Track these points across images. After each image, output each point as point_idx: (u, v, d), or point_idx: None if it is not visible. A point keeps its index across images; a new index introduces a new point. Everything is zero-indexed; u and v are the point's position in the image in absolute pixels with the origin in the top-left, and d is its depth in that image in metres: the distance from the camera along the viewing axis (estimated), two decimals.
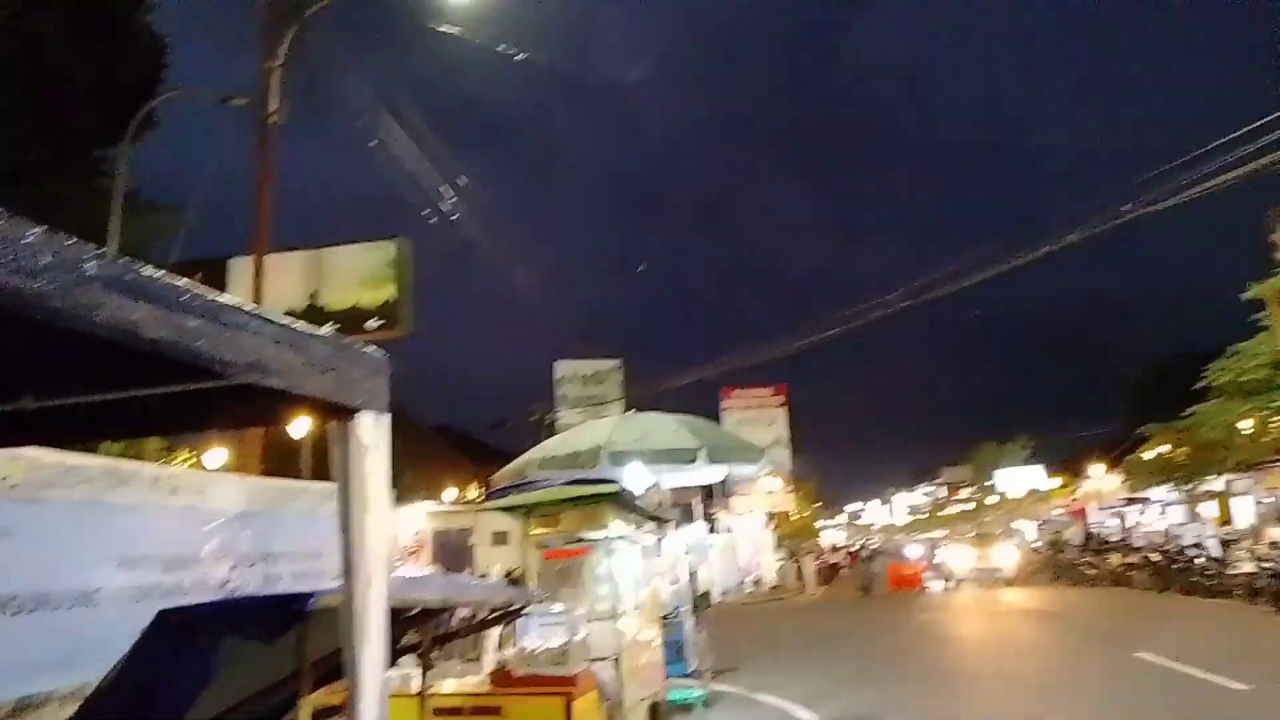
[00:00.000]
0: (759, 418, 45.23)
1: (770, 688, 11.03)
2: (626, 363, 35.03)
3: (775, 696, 10.48)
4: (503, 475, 9.33)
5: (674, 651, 10.58)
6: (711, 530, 27.65)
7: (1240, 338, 20.83)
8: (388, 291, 14.48)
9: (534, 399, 33.58)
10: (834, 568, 46.29)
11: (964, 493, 72.17)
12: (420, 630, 3.83)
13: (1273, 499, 25.47)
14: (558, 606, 6.03)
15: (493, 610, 5.05)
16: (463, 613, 4.12)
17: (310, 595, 2.35)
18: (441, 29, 12.94)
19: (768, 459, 13.26)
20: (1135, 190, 15.12)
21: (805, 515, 62.29)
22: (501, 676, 5.55)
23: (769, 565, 33.90)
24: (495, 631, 6.76)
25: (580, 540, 7.39)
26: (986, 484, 60.46)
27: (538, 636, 5.89)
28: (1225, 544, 22.59)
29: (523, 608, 5.44)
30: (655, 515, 8.02)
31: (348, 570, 2.08)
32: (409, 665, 4.36)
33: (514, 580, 12.08)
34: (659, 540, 9.23)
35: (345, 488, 2.10)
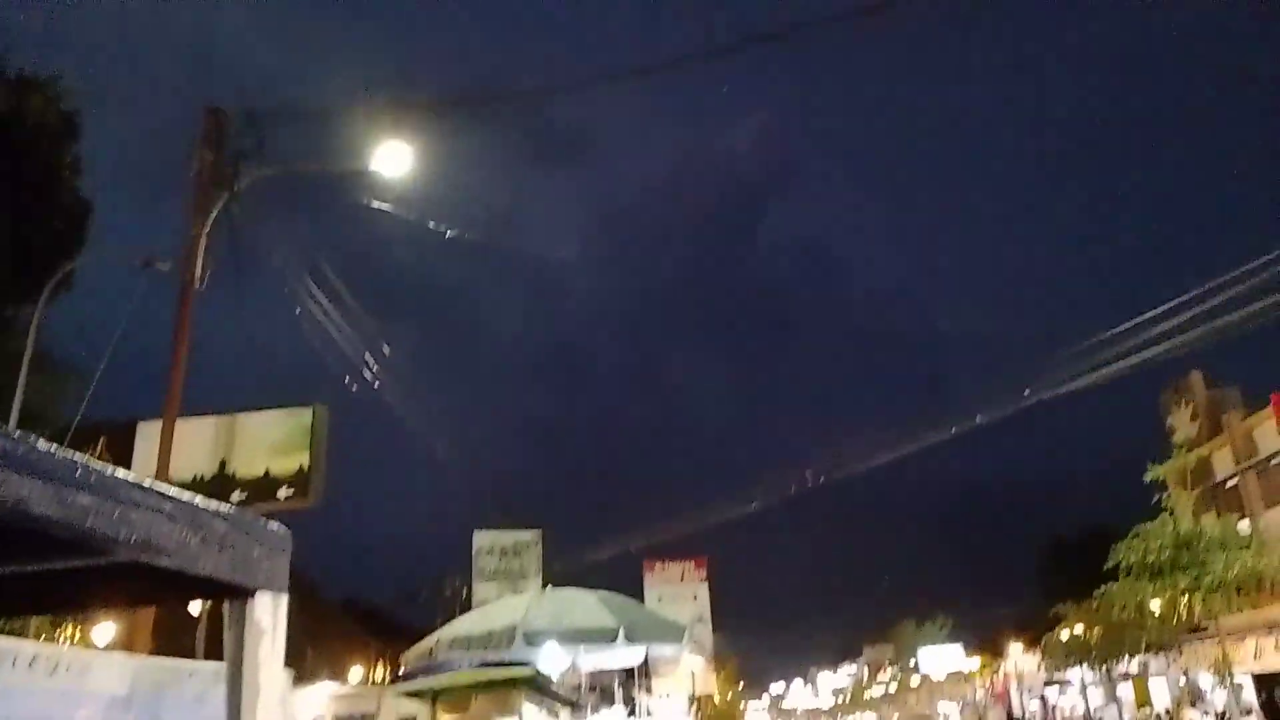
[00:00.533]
0: (681, 592, 44.51)
1: None
2: (546, 534, 34.37)
3: None
4: (411, 655, 8.88)
5: None
6: (631, 714, 26.43)
7: (1148, 517, 21.44)
8: (300, 459, 14.12)
9: (449, 571, 32.53)
10: None
11: (886, 672, 70.96)
12: None
13: (1185, 681, 25.68)
14: None
15: None
16: None
17: None
18: (373, 205, 13.25)
19: (689, 637, 12.94)
20: (1037, 374, 15.89)
21: (729, 697, 60.27)
22: None
23: None
24: None
25: None
26: (909, 664, 59.62)
27: None
28: None
29: None
30: (571, 700, 7.68)
31: None
32: None
33: None
34: None
35: (237, 673, 1.98)
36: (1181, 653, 24.99)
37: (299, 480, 14.01)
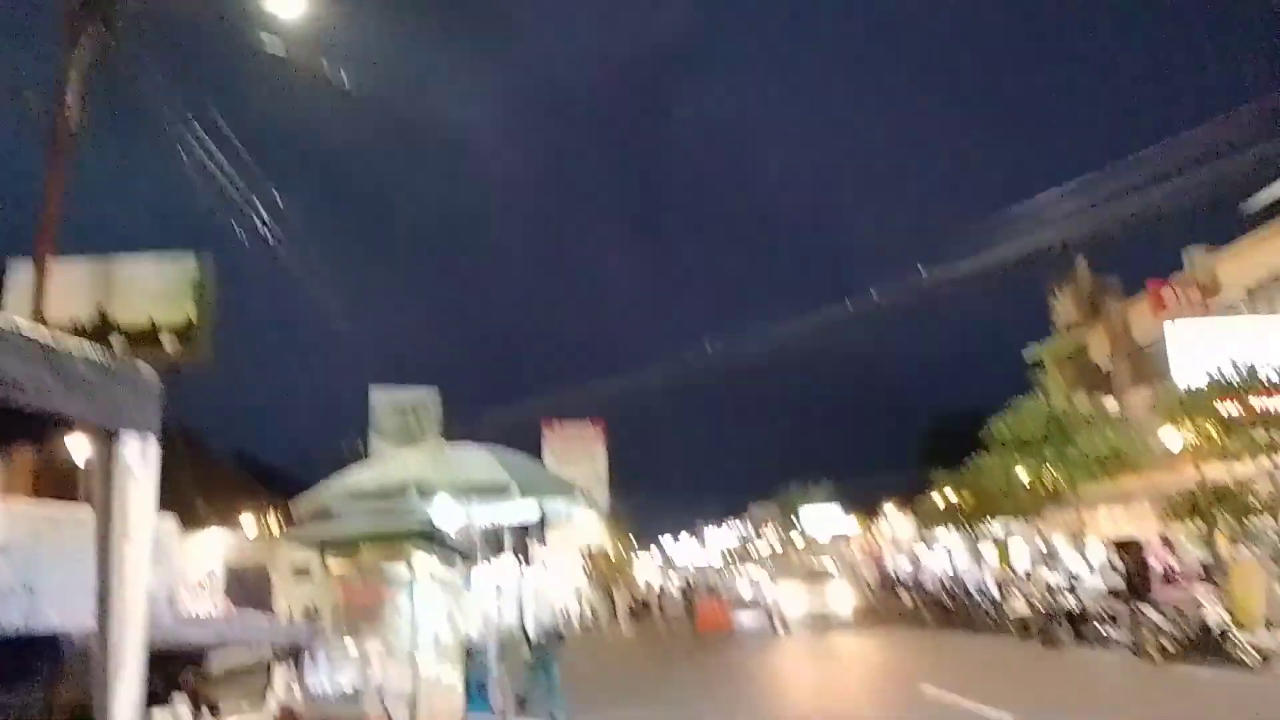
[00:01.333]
0: (579, 453, 45.45)
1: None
2: (446, 397, 34.33)
3: None
4: (304, 504, 8.90)
5: (478, 691, 10.37)
6: (525, 568, 27.23)
7: (1022, 393, 22.60)
8: (185, 310, 13.63)
9: (346, 431, 32.34)
10: (646, 605, 46.68)
11: (770, 531, 74.71)
12: (195, 672, 3.59)
13: (1043, 544, 27.78)
14: (351, 646, 5.78)
15: (278, 650, 4.80)
16: (244, 653, 3.90)
17: (61, 635, 2.16)
18: (269, 52, 12.40)
19: (583, 495, 13.29)
20: (933, 256, 16.32)
21: (621, 552, 62.71)
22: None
23: (582, 603, 33.82)
24: (281, 672, 6.42)
25: (382, 577, 7.15)
26: (792, 523, 62.79)
27: (328, 677, 5.62)
28: (1002, 584, 24.45)
29: (311, 647, 5.20)
30: (464, 552, 7.86)
31: (103, 606, 1.92)
32: (183, 710, 4.06)
33: (314, 619, 11.52)
34: (467, 578, 9.05)
35: (105, 515, 1.94)
36: (1042, 518, 26.94)
37: (186, 333, 13.56)
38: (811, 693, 14.13)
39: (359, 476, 8.82)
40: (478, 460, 8.79)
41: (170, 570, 6.61)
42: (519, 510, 10.86)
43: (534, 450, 40.24)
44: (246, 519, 30.25)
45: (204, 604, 17.47)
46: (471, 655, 10.11)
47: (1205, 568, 18.10)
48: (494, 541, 13.28)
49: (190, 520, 16.59)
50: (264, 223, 16.21)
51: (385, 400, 33.12)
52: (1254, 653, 12.99)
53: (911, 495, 38.69)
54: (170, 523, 6.37)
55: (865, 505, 52.05)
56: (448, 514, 8.78)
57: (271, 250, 16.52)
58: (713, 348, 18.90)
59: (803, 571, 28.54)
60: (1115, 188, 12.92)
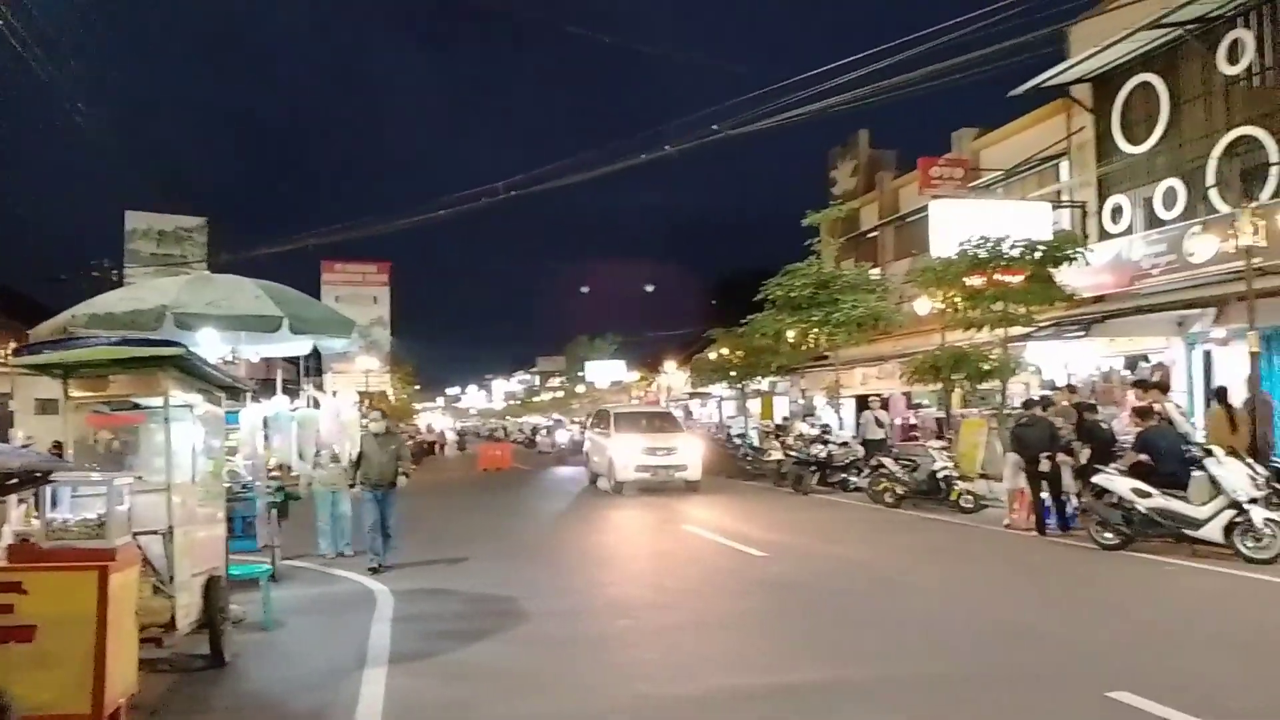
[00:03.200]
0: (361, 294, 44.00)
1: (346, 564, 11.03)
2: (217, 226, 31.93)
3: (349, 571, 10.52)
4: (44, 330, 8.16)
5: (242, 527, 10.15)
6: (297, 406, 26.46)
7: (802, 258, 23.71)
8: None
9: (100, 259, 29.53)
10: (427, 448, 46.88)
11: (556, 381, 76.24)
12: None
13: (803, 399, 29.97)
14: (97, 477, 5.46)
15: (8, 477, 4.47)
16: None
17: None
18: None
19: (361, 334, 12.96)
20: (732, 113, 16.51)
21: (403, 397, 62.09)
22: (23, 551, 4.96)
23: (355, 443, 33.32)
24: (13, 502, 6.01)
25: (134, 407, 6.74)
26: (578, 374, 64.24)
27: (72, 509, 5.31)
28: (763, 435, 26.33)
29: (47, 475, 4.88)
30: (228, 384, 7.50)
31: None
32: None
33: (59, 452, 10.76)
34: (231, 413, 8.69)
35: None
36: (804, 376, 28.95)
37: None
38: (584, 531, 14.82)
39: (109, 301, 8.16)
40: (245, 292, 8.34)
41: None
42: (290, 347, 10.48)
43: (311, 289, 38.54)
44: None
45: None
46: (243, 489, 9.85)
47: (939, 423, 20.25)
48: (265, 379, 12.74)
49: None
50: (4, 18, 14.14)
51: (144, 223, 30.38)
52: (970, 498, 14.82)
53: (692, 352, 40.35)
54: None
55: (649, 361, 53.87)
56: (212, 347, 8.33)
57: (12, 51, 14.51)
58: (506, 190, 18.50)
59: (640, 421, 22.04)
60: (899, 63, 13.44)
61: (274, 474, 10.07)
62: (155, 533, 5.88)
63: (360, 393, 37.41)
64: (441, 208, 19.96)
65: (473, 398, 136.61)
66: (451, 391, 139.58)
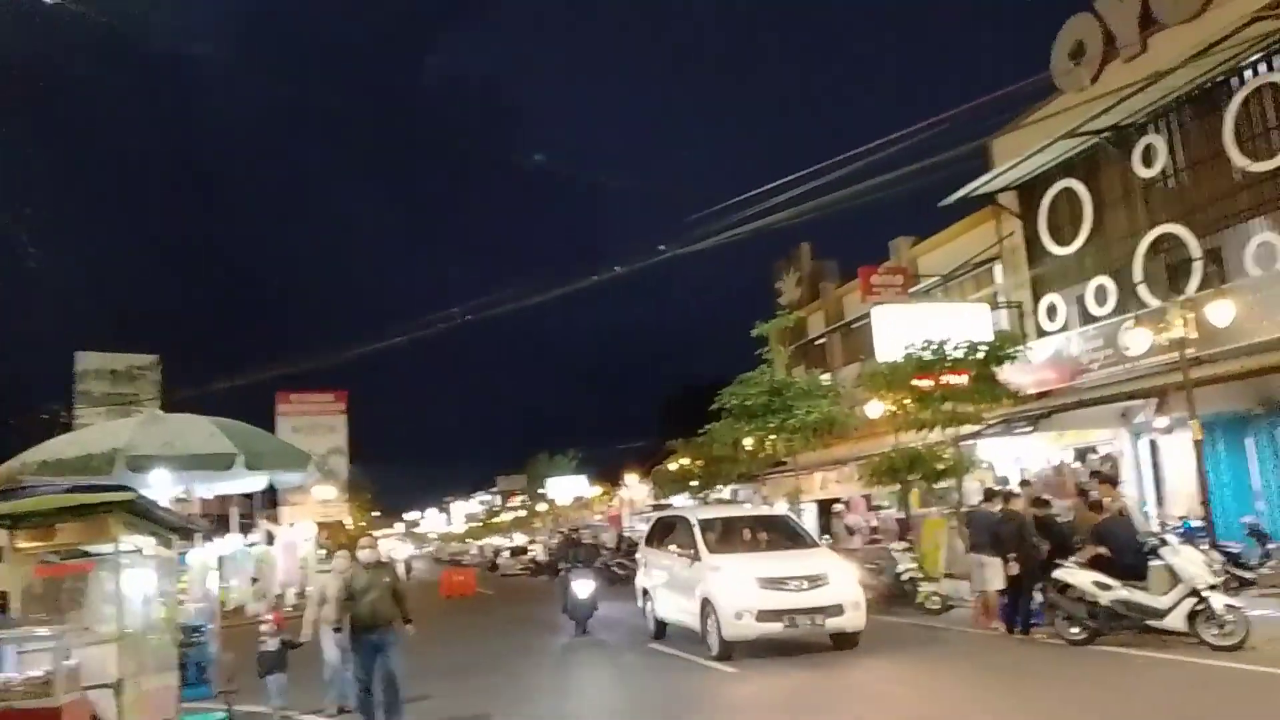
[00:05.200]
0: (318, 424, 43.50)
1: (304, 705, 10.63)
2: (169, 362, 31.74)
3: (309, 714, 10.14)
4: None
5: (196, 673, 9.81)
6: (254, 542, 25.93)
7: (752, 367, 24.07)
8: None
9: (48, 400, 29.10)
10: None
11: (517, 500, 75.31)
12: None
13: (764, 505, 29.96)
14: (43, 631, 5.31)
15: None
16: None
17: None
18: None
19: (317, 465, 12.84)
20: (677, 233, 17.02)
21: (362, 525, 60.86)
22: None
23: (315, 578, 32.51)
24: None
25: (83, 555, 6.60)
26: (539, 492, 63.62)
27: (18, 666, 5.15)
28: None
29: None
30: (179, 525, 7.39)
31: None
32: None
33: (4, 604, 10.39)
34: (183, 554, 8.53)
35: None
36: (765, 483, 29.01)
37: None
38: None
39: (58, 446, 8.05)
40: (199, 430, 8.29)
41: None
42: (245, 483, 10.34)
43: (266, 423, 38.08)
44: None
45: None
46: (193, 634, 9.56)
47: (900, 524, 20.32)
48: (217, 516, 12.52)
49: None
50: None
51: (95, 365, 30.05)
52: (937, 599, 14.79)
53: (652, 464, 40.32)
54: None
55: (609, 474, 53.63)
56: (164, 489, 8.22)
57: None
58: (462, 315, 18.73)
59: (744, 533, 13.53)
60: (835, 180, 14.06)
61: (264, 623, 9.62)
62: (105, 686, 5.71)
63: (319, 524, 36.71)
64: (398, 334, 20.11)
65: (432, 521, 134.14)
66: (410, 516, 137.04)
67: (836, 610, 11.25)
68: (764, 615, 11.14)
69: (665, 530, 14.67)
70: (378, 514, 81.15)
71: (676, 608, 13.06)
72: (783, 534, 13.39)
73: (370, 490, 61.89)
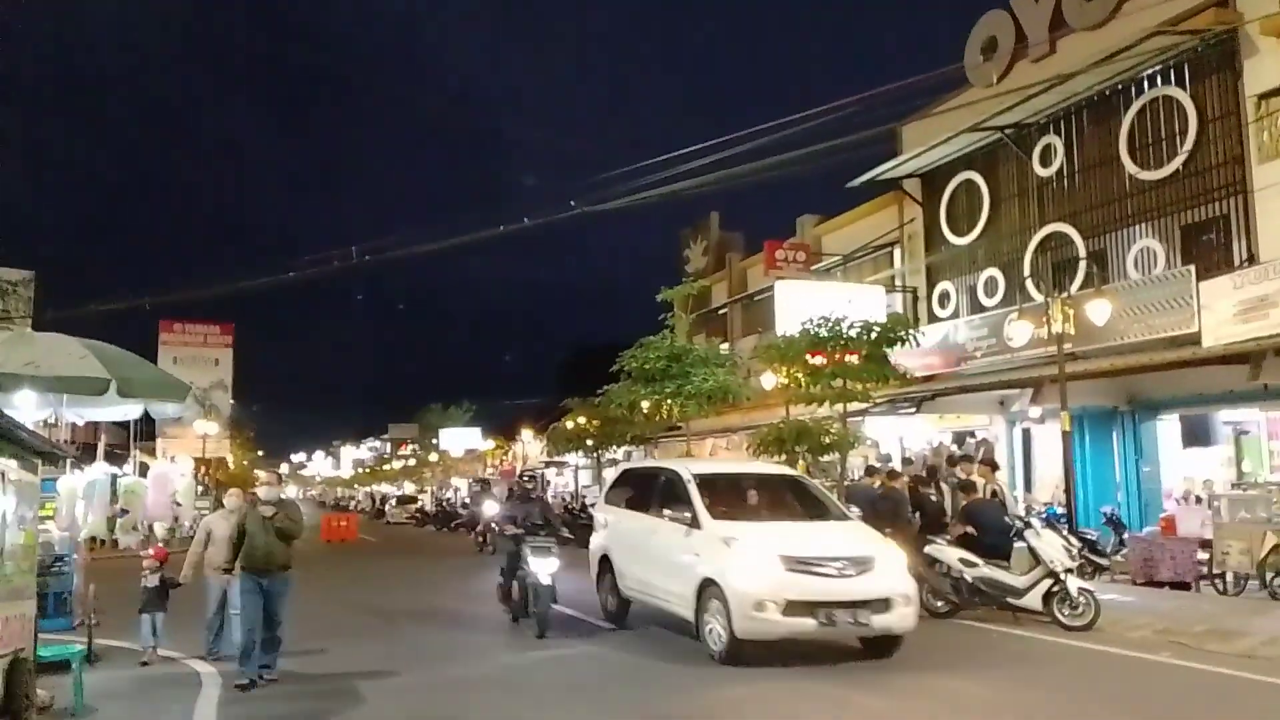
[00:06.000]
0: (202, 356, 42.07)
1: (180, 648, 10.29)
2: (44, 279, 29.93)
3: (176, 651, 9.85)
4: None
5: (55, 604, 9.45)
6: (123, 474, 24.94)
7: (655, 331, 24.19)
8: None
9: None
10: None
11: (408, 449, 74.32)
12: None
13: None
14: None
15: None
16: None
17: None
18: None
19: (199, 398, 12.38)
20: (586, 190, 16.92)
21: (243, 464, 59.20)
22: None
23: (189, 513, 31.47)
24: None
25: None
26: (431, 441, 62.86)
27: None
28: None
29: None
30: (45, 450, 7.05)
31: None
32: None
33: None
34: (49, 480, 8.15)
35: None
36: (657, 446, 29.34)
37: None
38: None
39: None
40: (69, 352, 7.92)
41: None
42: (119, 411, 9.93)
43: (150, 352, 36.51)
44: None
45: None
46: (54, 564, 9.18)
47: None
48: (87, 444, 12.02)
49: None
50: None
51: None
52: None
53: (548, 421, 40.30)
54: None
55: (505, 429, 53.36)
56: (30, 409, 7.83)
57: None
58: (359, 255, 18.25)
59: (755, 495, 10.62)
60: (748, 151, 14.18)
61: (145, 557, 9.17)
62: None
63: (197, 459, 35.53)
64: (291, 269, 19.46)
65: (319, 465, 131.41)
66: (297, 459, 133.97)
67: (884, 605, 8.38)
68: (792, 608, 8.19)
69: (641, 485, 11.45)
70: (261, 454, 79.05)
71: (657, 588, 10.00)
72: (802, 501, 10.42)
73: (254, 429, 60.16)
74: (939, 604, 11.20)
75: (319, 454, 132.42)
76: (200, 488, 35.89)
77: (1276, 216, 14.12)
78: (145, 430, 31.28)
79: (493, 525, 19.23)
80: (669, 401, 22.91)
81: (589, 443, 30.50)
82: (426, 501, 53.90)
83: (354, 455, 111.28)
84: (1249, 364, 12.87)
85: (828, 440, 17.36)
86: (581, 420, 30.56)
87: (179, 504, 27.04)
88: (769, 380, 19.90)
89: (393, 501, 56.99)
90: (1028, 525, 11.11)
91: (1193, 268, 14.59)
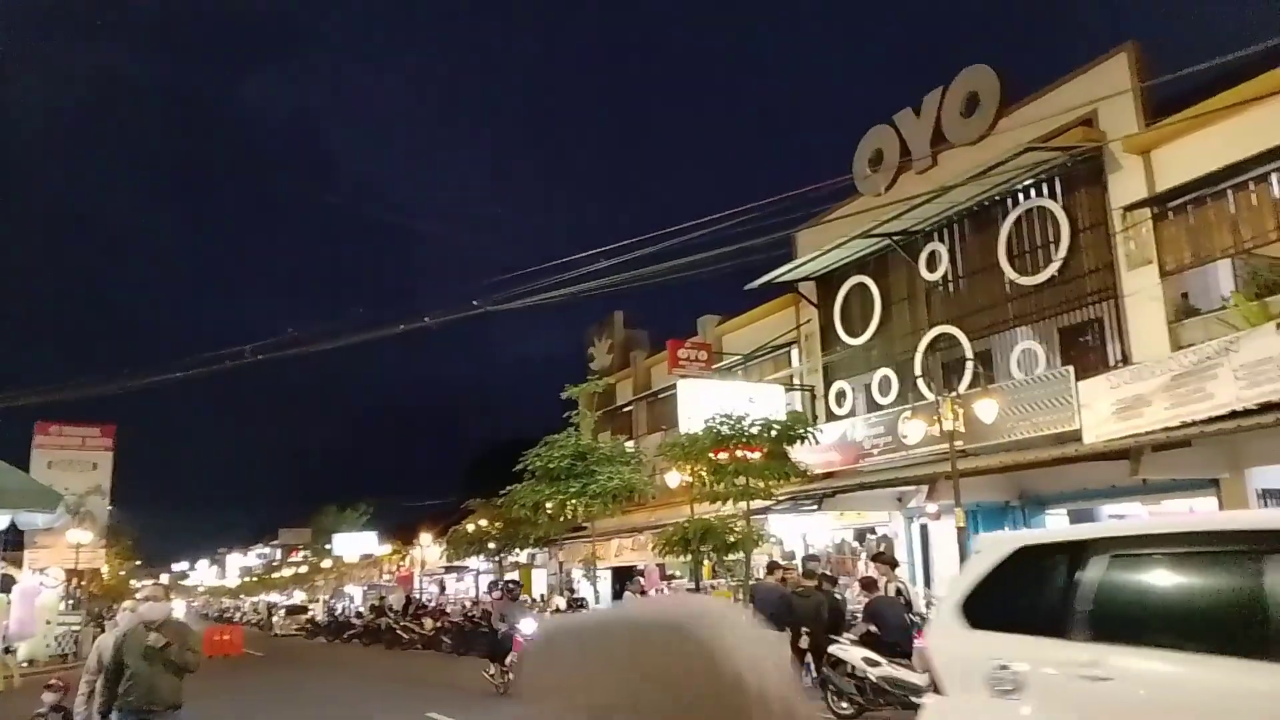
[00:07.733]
0: (79, 459, 39.75)
1: None
2: None
3: None
4: None
5: None
6: None
7: (561, 429, 24.04)
8: None
9: None
10: None
11: (300, 555, 71.11)
12: None
13: (560, 572, 29.74)
14: None
15: None
16: None
17: None
18: None
19: (72, 506, 11.66)
20: (489, 289, 16.92)
21: (120, 574, 55.67)
22: None
23: (55, 632, 29.27)
24: None
25: None
26: (325, 547, 60.35)
27: None
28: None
29: None
30: None
31: None
32: None
33: None
34: None
35: None
36: (562, 548, 28.86)
37: None
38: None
39: None
40: None
41: None
42: None
43: (20, 455, 34.42)
44: None
45: None
46: None
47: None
48: None
49: None
50: None
51: None
52: None
53: (449, 524, 39.28)
54: None
55: (403, 532, 51.69)
56: None
57: None
58: (251, 353, 17.76)
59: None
60: (651, 254, 14.48)
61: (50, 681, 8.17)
62: None
63: (69, 571, 33.27)
64: (179, 369, 18.75)
65: (203, 573, 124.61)
66: (179, 567, 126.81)
67: None
68: None
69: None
70: (139, 563, 74.58)
71: None
72: None
73: (133, 536, 56.77)
74: (844, 705, 11.13)
75: (203, 562, 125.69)
76: (71, 601, 33.52)
77: (1146, 320, 15.02)
78: (13, 540, 29.26)
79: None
80: (574, 500, 22.69)
81: (490, 545, 29.77)
82: (318, 611, 51.46)
83: (241, 563, 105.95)
84: (1129, 459, 13.45)
85: (732, 539, 17.37)
86: (484, 522, 29.90)
87: (48, 621, 25.18)
88: (674, 478, 19.91)
89: (281, 612, 54.17)
90: (927, 621, 11.22)
91: (1071, 368, 15.30)
